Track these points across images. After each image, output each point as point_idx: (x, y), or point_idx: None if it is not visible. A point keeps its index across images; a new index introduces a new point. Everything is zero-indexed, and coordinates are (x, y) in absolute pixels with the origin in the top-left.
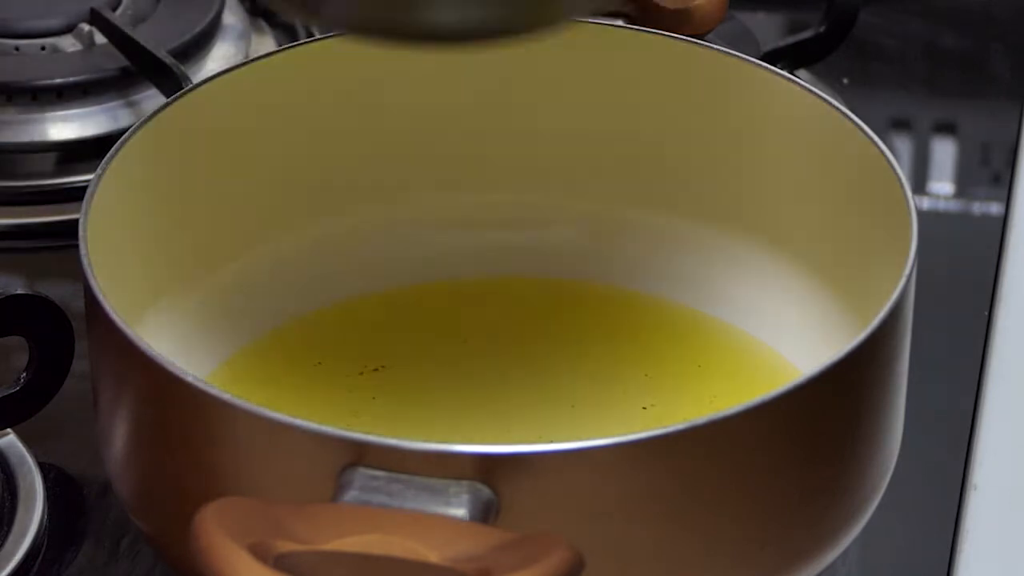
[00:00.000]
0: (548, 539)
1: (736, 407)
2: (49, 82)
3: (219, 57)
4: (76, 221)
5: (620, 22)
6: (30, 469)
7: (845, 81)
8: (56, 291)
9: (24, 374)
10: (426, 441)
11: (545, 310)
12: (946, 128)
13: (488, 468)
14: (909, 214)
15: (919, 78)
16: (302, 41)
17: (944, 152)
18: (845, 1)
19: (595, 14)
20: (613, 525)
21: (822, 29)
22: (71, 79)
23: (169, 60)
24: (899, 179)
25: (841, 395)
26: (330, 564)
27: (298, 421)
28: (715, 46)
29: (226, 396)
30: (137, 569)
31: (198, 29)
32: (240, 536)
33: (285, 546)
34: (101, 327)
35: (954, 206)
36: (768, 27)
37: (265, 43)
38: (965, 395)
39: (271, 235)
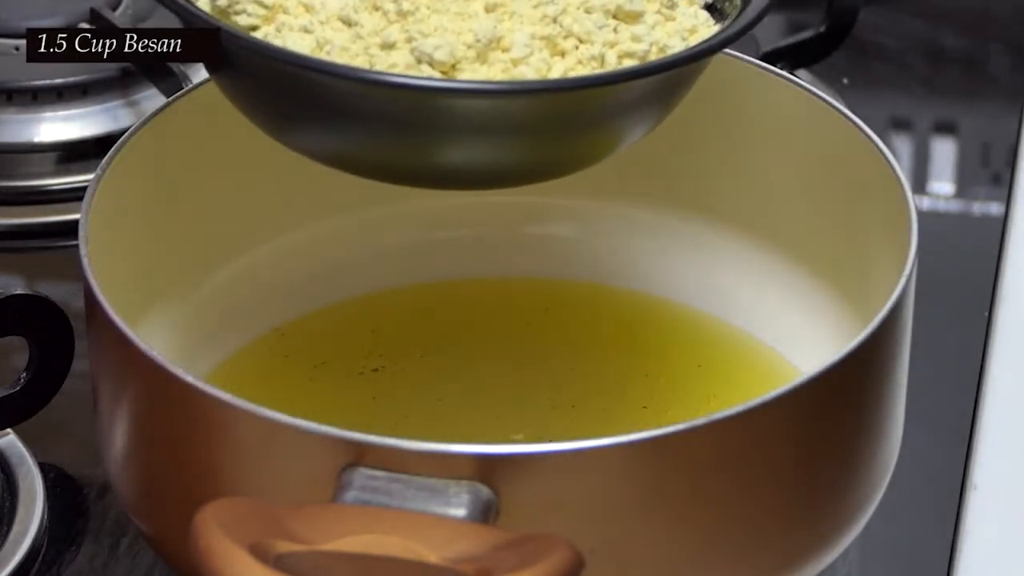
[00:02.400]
0: (548, 539)
1: (736, 407)
2: (49, 82)
3: None
4: (76, 221)
5: None
6: (30, 469)
7: (845, 81)
8: (56, 291)
9: (24, 374)
10: (426, 441)
11: (545, 310)
12: (946, 128)
13: (488, 468)
14: (909, 214)
15: (919, 78)
16: None
17: (944, 152)
18: (845, 1)
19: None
20: (613, 525)
21: (822, 29)
22: (71, 79)
23: None
24: (899, 179)
25: (841, 395)
26: (330, 564)
27: (298, 421)
28: None
29: (226, 396)
30: (137, 569)
31: None
32: (240, 536)
33: (285, 546)
34: (101, 327)
35: (954, 206)
36: (768, 27)
37: None
38: (965, 395)
39: (271, 235)
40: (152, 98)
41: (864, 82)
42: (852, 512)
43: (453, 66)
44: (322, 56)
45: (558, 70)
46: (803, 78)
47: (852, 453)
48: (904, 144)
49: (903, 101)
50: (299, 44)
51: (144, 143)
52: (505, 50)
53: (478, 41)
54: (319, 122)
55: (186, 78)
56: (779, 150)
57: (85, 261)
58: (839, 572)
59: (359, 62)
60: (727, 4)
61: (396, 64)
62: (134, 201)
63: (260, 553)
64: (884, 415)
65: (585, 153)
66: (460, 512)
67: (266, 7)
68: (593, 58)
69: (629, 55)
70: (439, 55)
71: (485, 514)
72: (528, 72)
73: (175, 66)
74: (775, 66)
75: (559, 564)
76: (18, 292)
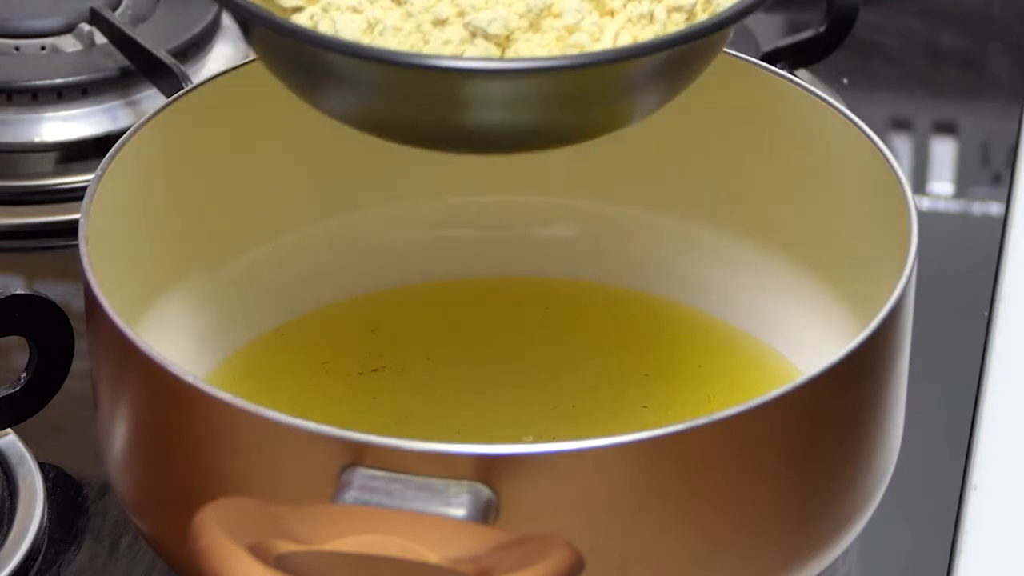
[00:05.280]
0: (548, 539)
1: (736, 407)
2: (49, 82)
3: (219, 57)
4: (76, 221)
5: None
6: (30, 469)
7: (845, 81)
8: (56, 291)
9: (24, 374)
10: (426, 441)
11: (545, 310)
12: (946, 128)
13: (488, 468)
14: (909, 214)
15: (919, 78)
16: None
17: (944, 152)
18: (845, 1)
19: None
20: (613, 525)
21: (822, 29)
22: (71, 79)
23: (169, 60)
24: (899, 179)
25: (841, 395)
26: (330, 564)
27: (298, 421)
28: None
29: (226, 396)
30: (137, 569)
31: (198, 29)
32: (240, 536)
33: (285, 546)
34: (101, 327)
35: (954, 206)
36: (768, 27)
37: None
38: (965, 395)
39: (271, 235)
40: (152, 98)
41: (864, 82)
42: (852, 512)
43: (507, 37)
44: (374, 37)
45: (610, 31)
46: (803, 78)
47: (852, 453)
48: (904, 144)
49: (903, 101)
50: (350, 26)
51: (144, 143)
52: (556, 16)
53: (530, 10)
54: (362, 98)
55: (186, 78)
56: (779, 150)
57: (85, 261)
58: (839, 572)
59: (412, 40)
60: None
61: (450, 40)
62: (134, 201)
63: (260, 553)
64: (884, 415)
65: (623, 114)
66: (460, 512)
67: None
68: (643, 16)
69: (677, 9)
70: (493, 28)
71: (485, 514)
72: (583, 38)
73: (175, 66)
74: (775, 66)
75: (559, 564)
76: (18, 292)
